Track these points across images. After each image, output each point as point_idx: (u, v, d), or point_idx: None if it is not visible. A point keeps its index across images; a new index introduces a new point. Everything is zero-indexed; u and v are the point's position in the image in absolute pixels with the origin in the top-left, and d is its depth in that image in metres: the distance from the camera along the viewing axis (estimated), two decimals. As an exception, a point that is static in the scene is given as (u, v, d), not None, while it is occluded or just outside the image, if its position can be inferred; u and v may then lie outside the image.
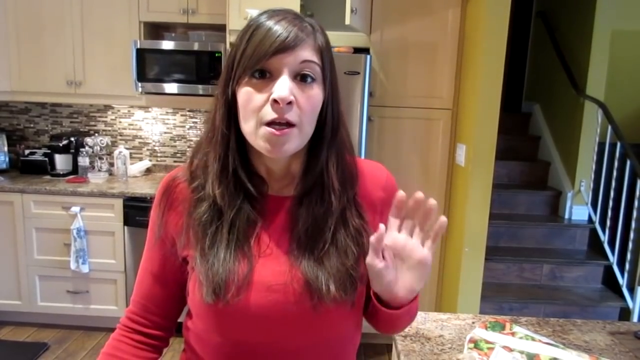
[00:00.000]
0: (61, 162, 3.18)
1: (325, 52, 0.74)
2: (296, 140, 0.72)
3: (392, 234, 0.72)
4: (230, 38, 2.64)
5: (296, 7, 2.52)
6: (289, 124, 0.70)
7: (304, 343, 0.77)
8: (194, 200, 0.78)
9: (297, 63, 0.70)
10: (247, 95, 0.71)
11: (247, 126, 0.72)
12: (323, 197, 0.77)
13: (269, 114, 0.69)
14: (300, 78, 0.71)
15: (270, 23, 0.70)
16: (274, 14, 0.72)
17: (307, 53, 0.71)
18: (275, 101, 0.68)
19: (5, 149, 3.22)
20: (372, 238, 0.70)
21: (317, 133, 0.76)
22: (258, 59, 0.69)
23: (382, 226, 0.69)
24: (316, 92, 0.72)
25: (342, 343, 0.82)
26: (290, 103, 0.69)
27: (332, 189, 0.77)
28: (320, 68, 0.73)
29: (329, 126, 0.76)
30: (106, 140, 3.19)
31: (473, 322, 1.29)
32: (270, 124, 0.69)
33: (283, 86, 0.68)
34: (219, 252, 0.74)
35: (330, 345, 0.79)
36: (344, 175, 0.79)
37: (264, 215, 0.79)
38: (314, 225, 0.77)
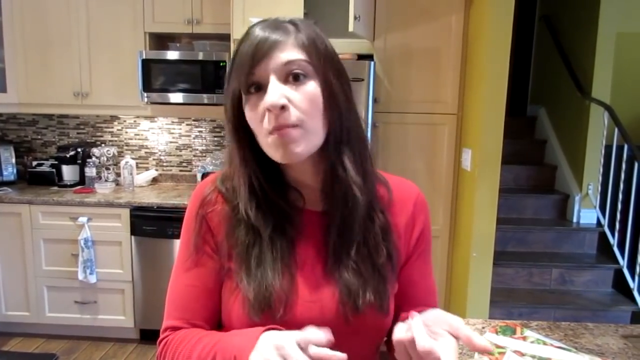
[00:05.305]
0: (68, 173, 3.20)
1: (310, 47, 0.71)
2: (304, 140, 0.70)
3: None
4: (235, 47, 2.66)
5: (299, 14, 2.53)
6: (291, 126, 0.69)
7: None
8: (234, 220, 0.78)
9: (281, 65, 0.69)
10: (250, 112, 0.72)
11: (260, 140, 0.72)
12: (346, 193, 0.75)
13: (269, 123, 0.69)
14: (293, 78, 0.70)
15: (248, 36, 0.72)
16: (256, 25, 0.73)
17: (288, 53, 0.69)
18: (268, 109, 0.68)
19: (13, 160, 3.25)
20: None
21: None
22: (243, 75, 0.70)
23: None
24: (311, 87, 0.70)
25: (372, 351, 0.82)
26: (283, 107, 0.68)
27: (353, 181, 0.74)
28: (309, 63, 0.70)
29: (335, 117, 0.73)
30: (112, 150, 3.21)
31: (483, 327, 1.27)
32: (272, 132, 0.69)
33: (272, 92, 0.68)
34: (265, 271, 0.74)
35: (362, 355, 0.79)
36: (364, 167, 0.77)
37: (302, 229, 0.78)
38: (344, 223, 0.76)
